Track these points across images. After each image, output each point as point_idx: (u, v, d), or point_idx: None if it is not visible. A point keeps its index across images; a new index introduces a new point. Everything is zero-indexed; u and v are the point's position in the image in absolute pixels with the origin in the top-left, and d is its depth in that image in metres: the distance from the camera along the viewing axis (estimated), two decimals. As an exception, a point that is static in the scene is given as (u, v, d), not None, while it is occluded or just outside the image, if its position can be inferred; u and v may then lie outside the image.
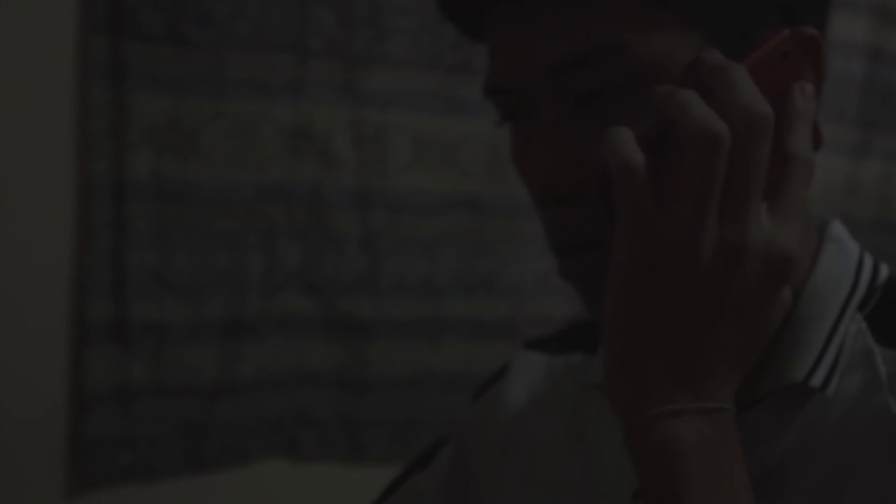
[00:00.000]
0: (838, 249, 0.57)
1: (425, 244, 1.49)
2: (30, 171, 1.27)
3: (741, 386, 0.51)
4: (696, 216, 0.47)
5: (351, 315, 1.46)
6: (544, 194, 0.53)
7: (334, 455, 1.47)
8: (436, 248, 1.49)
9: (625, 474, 0.50)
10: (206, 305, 1.36)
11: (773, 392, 0.53)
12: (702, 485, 0.46)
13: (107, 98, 1.27)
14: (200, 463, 1.37)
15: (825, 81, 0.54)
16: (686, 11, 0.51)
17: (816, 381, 0.52)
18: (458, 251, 1.51)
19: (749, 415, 0.53)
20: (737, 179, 0.47)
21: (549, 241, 0.56)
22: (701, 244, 0.47)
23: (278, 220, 1.40)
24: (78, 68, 1.28)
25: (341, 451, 1.47)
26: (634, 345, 0.48)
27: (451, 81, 1.48)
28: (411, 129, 1.47)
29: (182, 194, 1.33)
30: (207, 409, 1.37)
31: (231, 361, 1.38)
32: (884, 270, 0.58)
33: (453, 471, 0.73)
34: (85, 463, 1.30)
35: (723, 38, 0.52)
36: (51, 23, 1.27)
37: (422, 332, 1.50)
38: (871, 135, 1.84)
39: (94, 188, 1.29)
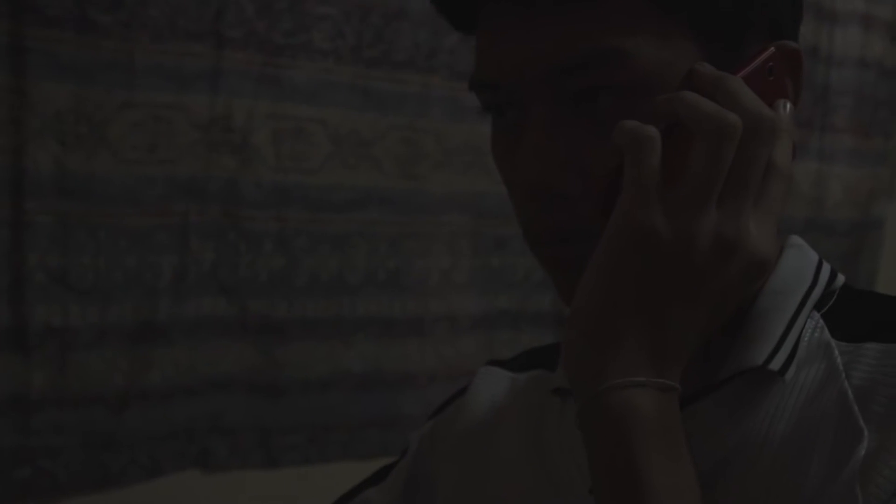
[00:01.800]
0: (799, 254, 0.61)
1: (338, 241, 1.44)
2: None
3: (702, 372, 0.55)
4: (699, 199, 0.48)
5: (265, 316, 1.39)
6: (535, 192, 0.54)
7: (248, 463, 1.41)
8: (348, 245, 1.44)
9: (583, 479, 0.51)
10: (114, 308, 1.28)
11: (734, 376, 0.55)
12: (658, 456, 0.47)
13: (5, 84, 1.17)
14: (107, 477, 1.28)
15: (802, 91, 0.56)
16: (687, 23, 0.53)
17: (775, 365, 0.54)
18: (369, 248, 1.46)
19: (711, 399, 0.55)
20: (739, 176, 0.49)
21: (527, 232, 0.57)
22: (699, 229, 0.48)
23: (191, 218, 1.32)
24: (-27, 52, 1.18)
25: (255, 458, 1.41)
26: (609, 313, 0.49)
27: (371, 75, 1.42)
28: (330, 123, 1.41)
29: (87, 189, 1.24)
30: (115, 419, 1.29)
31: (140, 368, 1.30)
32: (840, 277, 0.61)
33: (405, 486, 0.73)
34: (-21, 479, 1.21)
35: (717, 50, 0.53)
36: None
37: (334, 331, 1.45)
38: (805, 135, 1.84)
39: (-10, 182, 1.19)
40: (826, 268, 0.61)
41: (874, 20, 1.93)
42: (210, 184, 1.33)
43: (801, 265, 0.60)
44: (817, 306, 0.58)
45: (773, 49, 0.54)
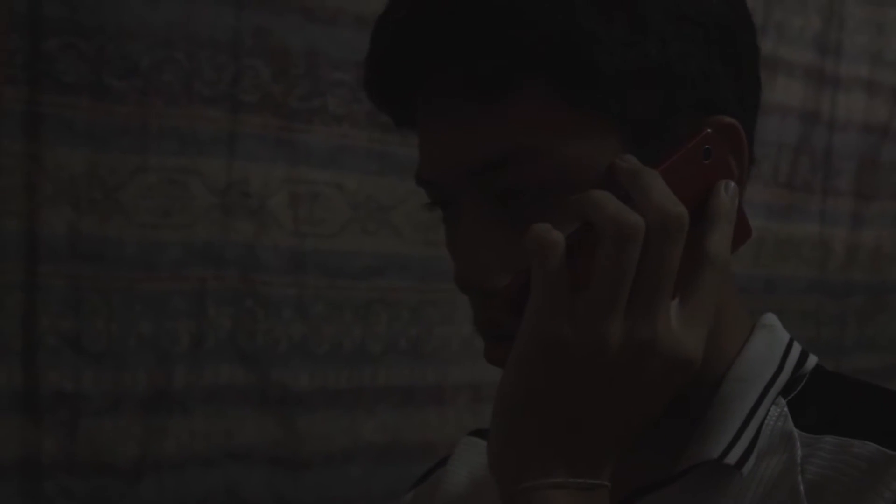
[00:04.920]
0: (768, 336, 0.59)
1: (360, 309, 1.41)
2: (-65, 228, 1.19)
3: (663, 461, 0.55)
4: (604, 304, 0.48)
5: (285, 386, 1.36)
6: (468, 290, 0.55)
7: (268, 539, 1.36)
8: (371, 313, 1.42)
9: None
10: (128, 375, 1.26)
11: (690, 469, 0.54)
12: None
13: (20, 150, 1.19)
14: (117, 549, 1.24)
15: (750, 167, 0.56)
16: (607, 116, 0.52)
17: (731, 458, 0.53)
18: (390, 316, 1.44)
19: (668, 490, 0.55)
20: (649, 277, 0.48)
21: (474, 324, 0.58)
22: (606, 334, 0.48)
23: (208, 284, 1.31)
24: (-11, 119, 1.21)
25: (275, 534, 1.36)
26: (524, 415, 0.49)
27: (388, 139, 1.42)
28: (348, 188, 1.40)
29: (101, 254, 1.24)
30: (127, 489, 1.25)
31: (155, 436, 1.28)
32: (811, 360, 0.59)
33: None
34: (-14, 550, 1.18)
35: (644, 139, 0.52)
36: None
37: (357, 402, 1.41)
38: (805, 198, 1.84)
39: (3, 246, 1.19)
40: (795, 350, 0.59)
41: (878, 85, 1.94)
42: (227, 249, 1.32)
43: (767, 348, 0.58)
44: (784, 391, 0.57)
45: (707, 131, 0.52)
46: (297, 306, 1.37)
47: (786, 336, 0.60)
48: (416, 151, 1.52)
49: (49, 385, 1.21)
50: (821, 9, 1.84)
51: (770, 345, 0.59)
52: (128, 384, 1.26)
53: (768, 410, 0.56)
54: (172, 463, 1.29)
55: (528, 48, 0.51)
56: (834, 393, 0.58)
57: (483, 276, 0.54)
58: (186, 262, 1.30)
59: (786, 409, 0.56)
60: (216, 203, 1.31)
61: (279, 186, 1.36)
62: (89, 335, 1.24)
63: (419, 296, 1.45)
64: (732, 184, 0.52)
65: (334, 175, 1.39)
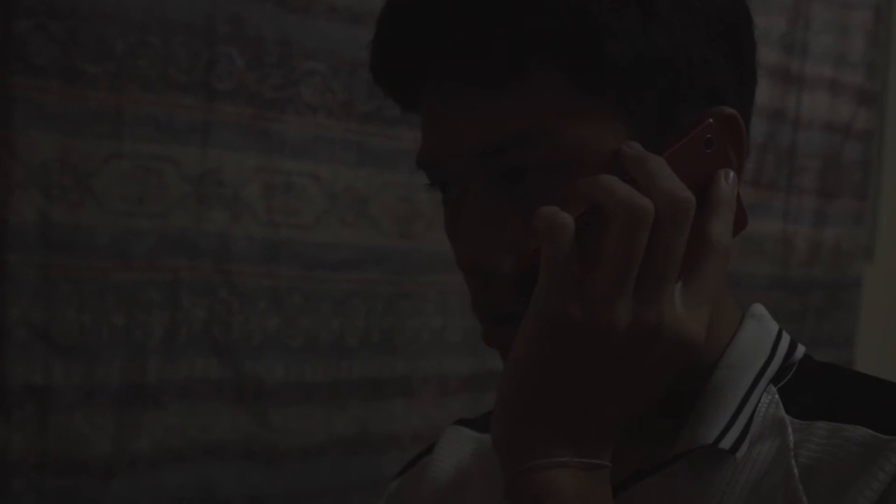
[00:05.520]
0: (758, 325, 0.61)
1: (338, 301, 1.39)
2: None
3: (658, 447, 0.56)
4: (613, 286, 0.48)
5: (260, 379, 1.33)
6: (472, 270, 0.55)
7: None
8: (347, 305, 1.40)
9: None
10: (100, 368, 1.22)
11: (685, 453, 0.55)
12: None
13: (-11, 135, 1.16)
14: (90, 549, 1.20)
15: (747, 158, 0.57)
16: (615, 102, 0.52)
17: (726, 444, 0.54)
18: (366, 309, 1.42)
19: (661, 475, 0.56)
20: (656, 261, 0.49)
21: (473, 307, 0.58)
22: (614, 316, 0.48)
23: (182, 274, 1.28)
24: (-43, 102, 1.16)
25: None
26: (531, 394, 0.50)
27: (365, 130, 1.41)
28: (324, 178, 1.38)
29: (73, 242, 1.20)
30: (100, 486, 1.21)
31: (128, 432, 1.24)
32: (800, 349, 0.61)
33: None
34: (-48, 551, 1.13)
35: (645, 125, 0.53)
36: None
37: (331, 395, 1.39)
38: (769, 195, 1.88)
39: (-29, 234, 1.15)
40: (785, 340, 0.61)
41: (841, 85, 1.99)
42: (200, 239, 1.29)
43: (758, 337, 0.60)
44: (774, 380, 0.58)
45: (709, 121, 0.53)
46: (272, 298, 1.35)
47: (775, 326, 0.61)
48: (394, 143, 1.51)
49: (18, 378, 1.16)
50: (786, 9, 1.88)
51: (760, 334, 0.60)
52: (100, 378, 1.22)
53: (760, 397, 0.57)
54: (146, 459, 1.25)
55: (537, 35, 0.51)
56: (823, 381, 0.59)
57: (488, 257, 0.54)
58: (160, 251, 1.26)
59: (777, 396, 0.57)
60: (190, 191, 1.28)
61: (253, 176, 1.34)
62: (60, 327, 1.19)
63: (394, 288, 1.44)
64: (732, 173, 0.53)
65: (308, 165, 1.37)
